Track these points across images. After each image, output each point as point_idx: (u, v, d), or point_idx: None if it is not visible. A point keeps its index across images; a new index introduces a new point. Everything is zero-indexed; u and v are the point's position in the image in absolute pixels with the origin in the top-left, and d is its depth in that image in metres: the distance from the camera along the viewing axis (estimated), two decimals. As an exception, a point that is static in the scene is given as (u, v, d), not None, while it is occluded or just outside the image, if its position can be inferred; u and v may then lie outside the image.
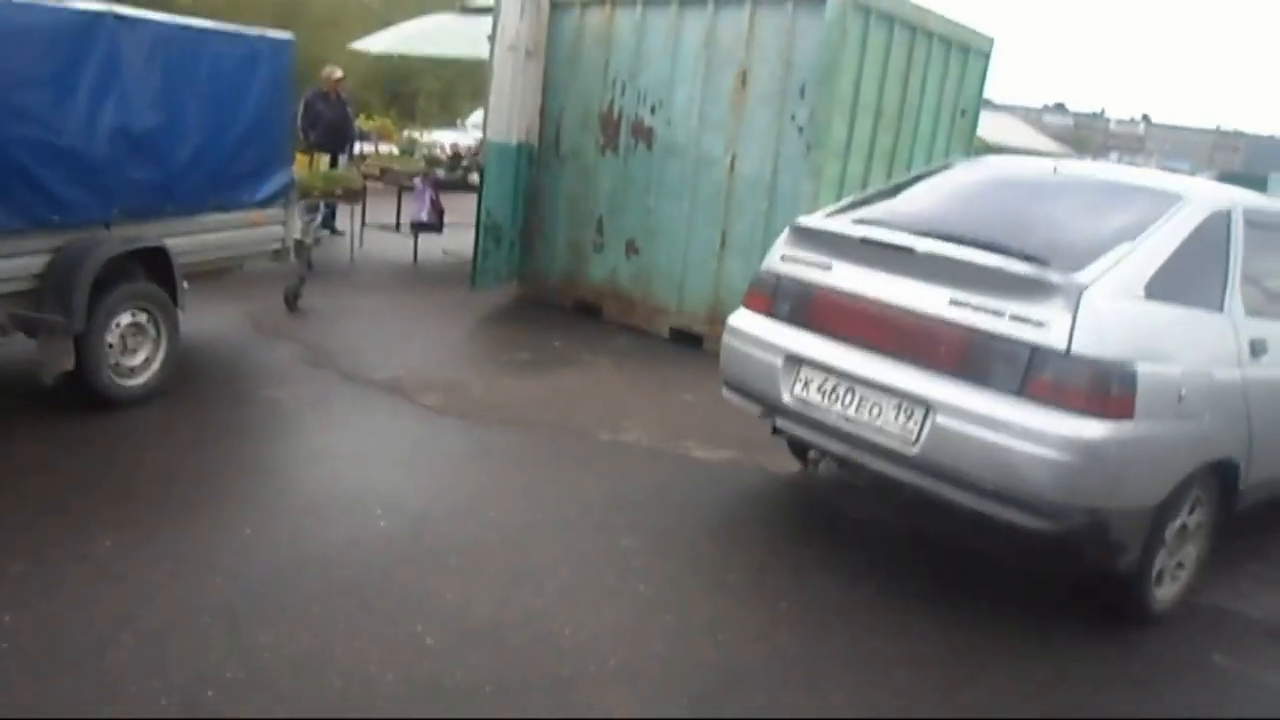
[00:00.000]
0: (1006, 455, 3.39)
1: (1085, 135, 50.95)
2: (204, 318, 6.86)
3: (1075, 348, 3.34)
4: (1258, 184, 17.44)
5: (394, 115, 18.39)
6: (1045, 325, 3.40)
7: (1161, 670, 3.70)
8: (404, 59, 17.27)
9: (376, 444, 5.10)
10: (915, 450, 3.61)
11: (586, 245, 8.49)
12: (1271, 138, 44.30)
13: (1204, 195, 4.15)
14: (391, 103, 21.13)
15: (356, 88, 18.81)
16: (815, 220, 4.32)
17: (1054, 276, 3.43)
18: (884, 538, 4.52)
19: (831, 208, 4.54)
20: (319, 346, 6.65)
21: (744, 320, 4.38)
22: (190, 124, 5.59)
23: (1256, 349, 4.03)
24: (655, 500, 4.63)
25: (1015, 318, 3.45)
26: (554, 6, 8.44)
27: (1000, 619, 3.86)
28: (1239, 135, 45.31)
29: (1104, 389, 3.34)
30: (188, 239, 5.68)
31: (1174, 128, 59.32)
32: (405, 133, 12.98)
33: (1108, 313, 3.43)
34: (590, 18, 8.29)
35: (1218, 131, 52.22)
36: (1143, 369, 3.40)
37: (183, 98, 5.51)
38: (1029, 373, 3.41)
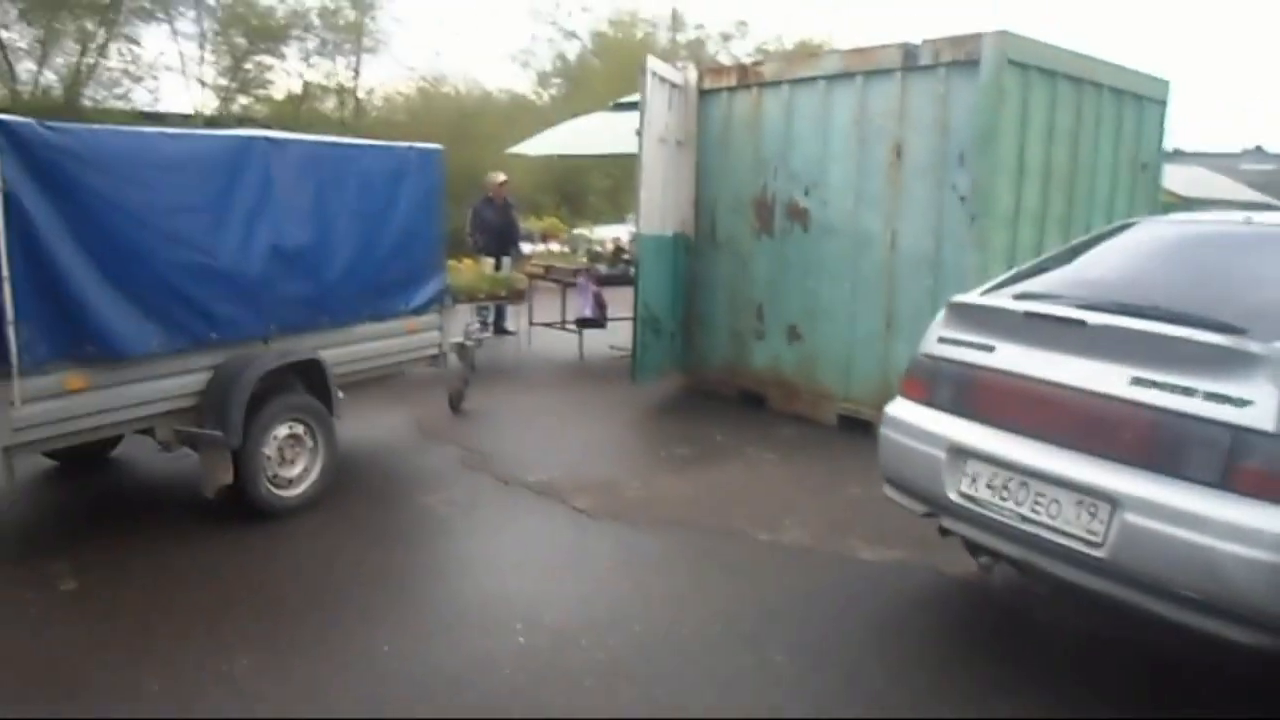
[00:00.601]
0: (1210, 558, 2.89)
1: (1289, 180, 47.43)
2: (370, 423, 6.99)
3: (1287, 428, 2.84)
4: None
5: (564, 214, 18.85)
6: (1248, 404, 2.91)
7: None
8: (568, 159, 17.70)
9: (523, 551, 4.94)
10: (1102, 552, 3.14)
11: (748, 332, 8.24)
12: None
13: None
14: (562, 202, 21.69)
15: (529, 190, 19.43)
16: (973, 297, 3.93)
17: (1254, 346, 2.95)
18: (1077, 648, 3.98)
19: (991, 283, 4.14)
20: (477, 448, 6.62)
21: (902, 410, 4.01)
22: (341, 238, 5.72)
23: None
24: (812, 608, 4.26)
25: (1210, 396, 2.97)
26: (701, 94, 8.39)
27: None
28: None
29: (1328, 476, 2.82)
30: (342, 349, 5.78)
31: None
32: (574, 230, 13.21)
33: (1323, 385, 2.91)
34: (738, 104, 8.17)
35: None
36: (1374, 450, 2.87)
37: (333, 213, 5.65)
38: (1232, 460, 2.91)
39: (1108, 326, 3.26)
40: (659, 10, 38.08)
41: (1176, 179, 28.98)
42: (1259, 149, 61.60)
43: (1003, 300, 3.78)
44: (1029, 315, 3.54)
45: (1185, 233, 4.14)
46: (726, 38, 30.96)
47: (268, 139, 5.31)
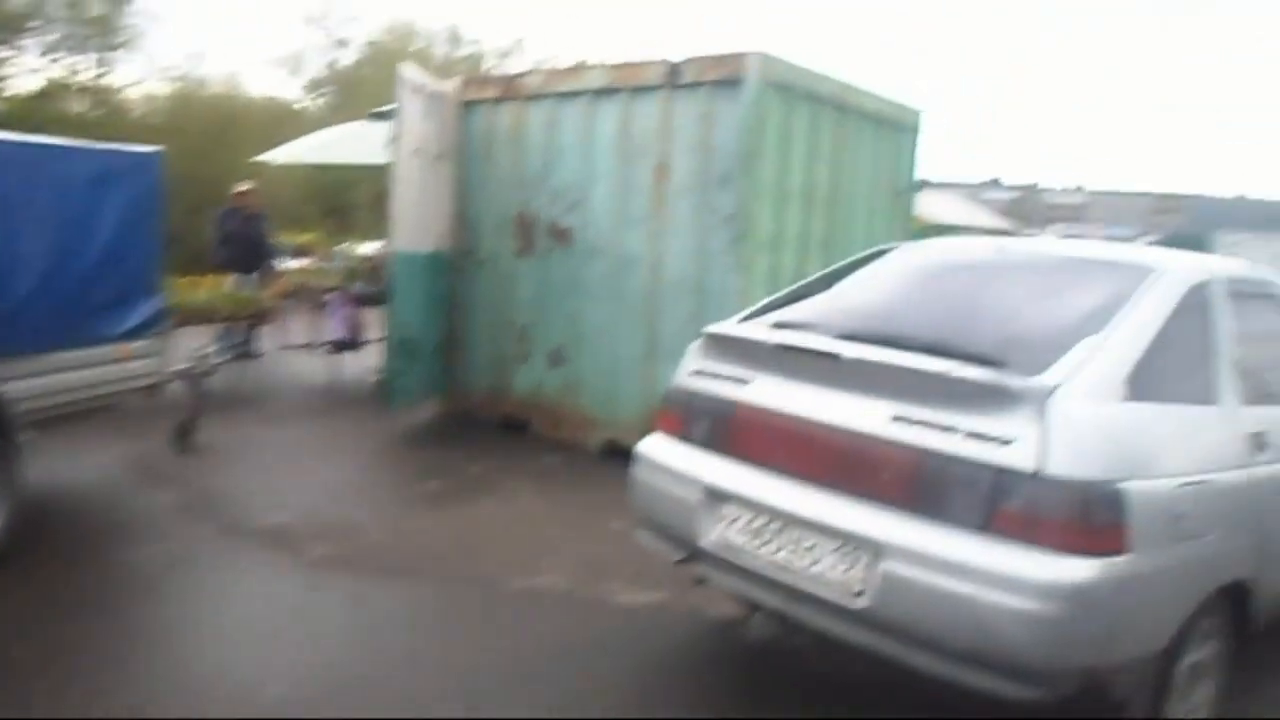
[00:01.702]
0: (974, 609, 2.70)
1: (1025, 209, 51.48)
2: (77, 465, 6.12)
3: (1048, 468, 2.68)
4: (1200, 243, 17.19)
5: (328, 228, 17.89)
6: (1008, 442, 2.74)
7: None
8: (330, 169, 16.79)
9: (241, 614, 4.30)
10: (862, 603, 2.90)
11: (510, 356, 7.82)
12: (1209, 197, 45.06)
13: (1179, 267, 3.56)
14: (327, 215, 20.64)
15: (292, 201, 18.35)
16: (728, 327, 3.65)
17: (1014, 381, 2.79)
18: (845, 694, 3.77)
19: (748, 310, 3.90)
20: (204, 491, 5.88)
21: (656, 447, 3.69)
22: (28, 251, 4.89)
23: (1259, 444, 3.41)
24: (563, 663, 3.87)
25: (971, 434, 2.79)
26: (464, 106, 7.94)
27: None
28: (1176, 197, 46.00)
29: (1088, 518, 2.68)
30: (32, 381, 4.94)
31: (1112, 194, 60.11)
32: (341, 246, 12.41)
33: (1084, 420, 2.78)
34: (501, 117, 7.78)
35: (1155, 195, 53.01)
36: (1133, 487, 2.75)
37: (17, 222, 4.82)
38: (994, 502, 2.74)
39: (866, 361, 3.04)
40: (436, 26, 37.27)
41: (925, 205, 30.79)
42: (996, 181, 66.63)
43: (759, 330, 3.52)
44: (785, 347, 3.29)
45: (941, 260, 4.04)
46: (504, 54, 30.66)
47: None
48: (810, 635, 3.42)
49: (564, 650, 4.01)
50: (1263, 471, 3.40)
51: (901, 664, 2.92)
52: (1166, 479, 2.92)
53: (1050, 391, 2.75)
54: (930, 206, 31.20)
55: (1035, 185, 65.64)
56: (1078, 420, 2.75)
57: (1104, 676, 2.79)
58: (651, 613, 4.43)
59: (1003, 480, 2.72)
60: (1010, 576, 2.65)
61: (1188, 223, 32.57)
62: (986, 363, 2.89)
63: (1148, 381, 3.01)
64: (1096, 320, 3.13)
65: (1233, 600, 3.34)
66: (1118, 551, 2.69)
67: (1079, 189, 65.20)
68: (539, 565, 4.91)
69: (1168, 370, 3.13)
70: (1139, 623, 2.86)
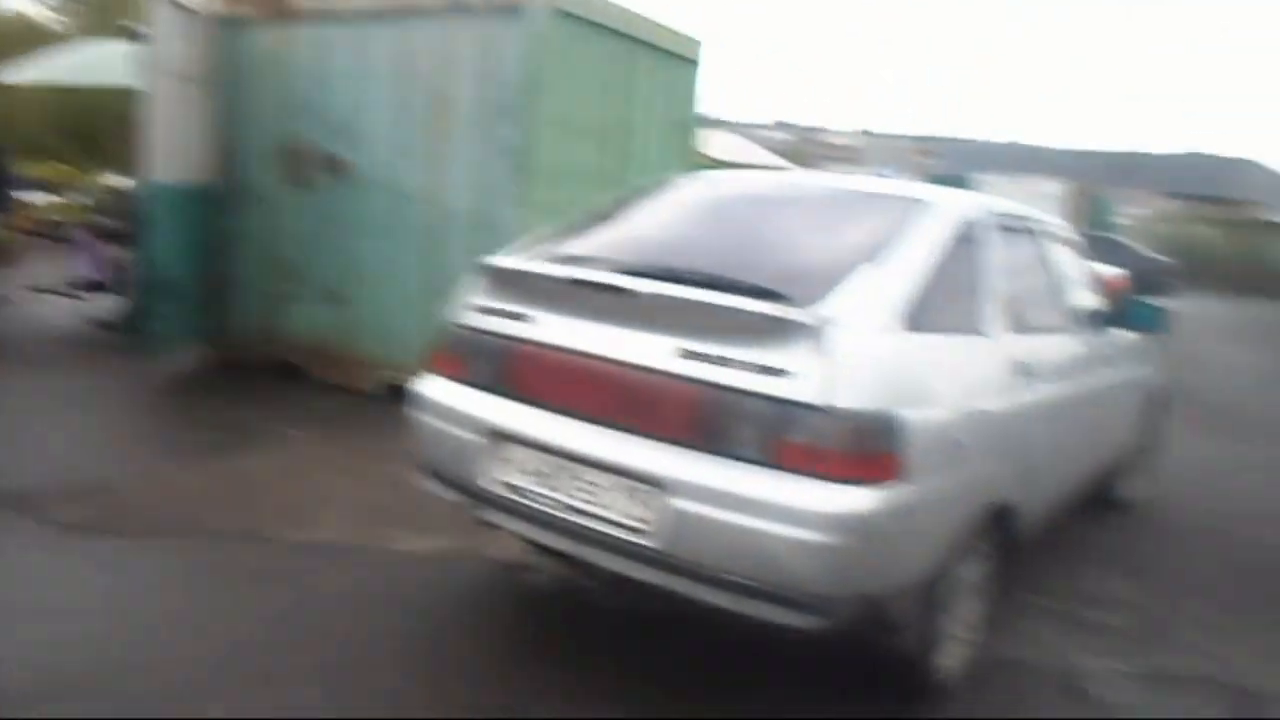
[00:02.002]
0: (760, 542, 2.68)
1: (807, 150, 53.18)
2: None
3: (829, 400, 2.68)
4: (958, 184, 18.26)
5: (78, 158, 16.39)
6: (789, 374, 2.72)
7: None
8: (80, 92, 15.29)
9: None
10: (653, 542, 2.85)
11: (282, 296, 7.34)
12: (969, 141, 48.07)
13: (950, 202, 3.65)
14: (80, 145, 18.87)
15: (38, 129, 16.65)
16: (509, 260, 3.47)
17: (793, 312, 2.76)
18: (639, 631, 3.73)
19: (530, 242, 3.74)
20: (-74, 453, 5.24)
21: (433, 389, 3.50)
22: None
23: (1023, 371, 3.56)
24: (343, 618, 3.66)
25: (754, 368, 2.76)
26: (228, 27, 7.31)
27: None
28: (939, 140, 48.68)
29: (867, 448, 2.70)
30: None
31: (886, 136, 63.00)
32: (93, 177, 11.32)
33: (863, 351, 2.80)
34: (269, 39, 7.22)
35: (921, 139, 55.86)
36: (910, 416, 2.79)
37: None
38: (776, 435, 2.72)
39: (650, 295, 2.95)
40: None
41: (709, 143, 31.25)
42: (783, 123, 68.53)
43: (540, 264, 3.37)
44: (569, 281, 3.16)
45: (725, 193, 3.99)
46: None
47: None
48: (601, 577, 3.35)
49: (344, 603, 3.79)
50: (1026, 398, 3.56)
51: (692, 601, 2.89)
52: (940, 407, 2.99)
53: (829, 323, 2.75)
54: (713, 145, 31.65)
55: (816, 127, 67.99)
56: (855, 351, 2.76)
57: (883, 602, 2.85)
58: (436, 560, 4.26)
59: (784, 413, 2.70)
60: (794, 509, 2.65)
61: (948, 165, 34.46)
62: (768, 295, 2.86)
63: (921, 312, 3.06)
64: (872, 253, 3.15)
65: (1001, 520, 3.50)
66: (896, 480, 2.74)
67: (856, 131, 67.95)
68: (316, 517, 4.64)
69: (940, 301, 3.20)
70: (915, 548, 2.93)
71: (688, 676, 3.44)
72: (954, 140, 48.96)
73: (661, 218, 3.79)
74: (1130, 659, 3.94)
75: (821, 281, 2.98)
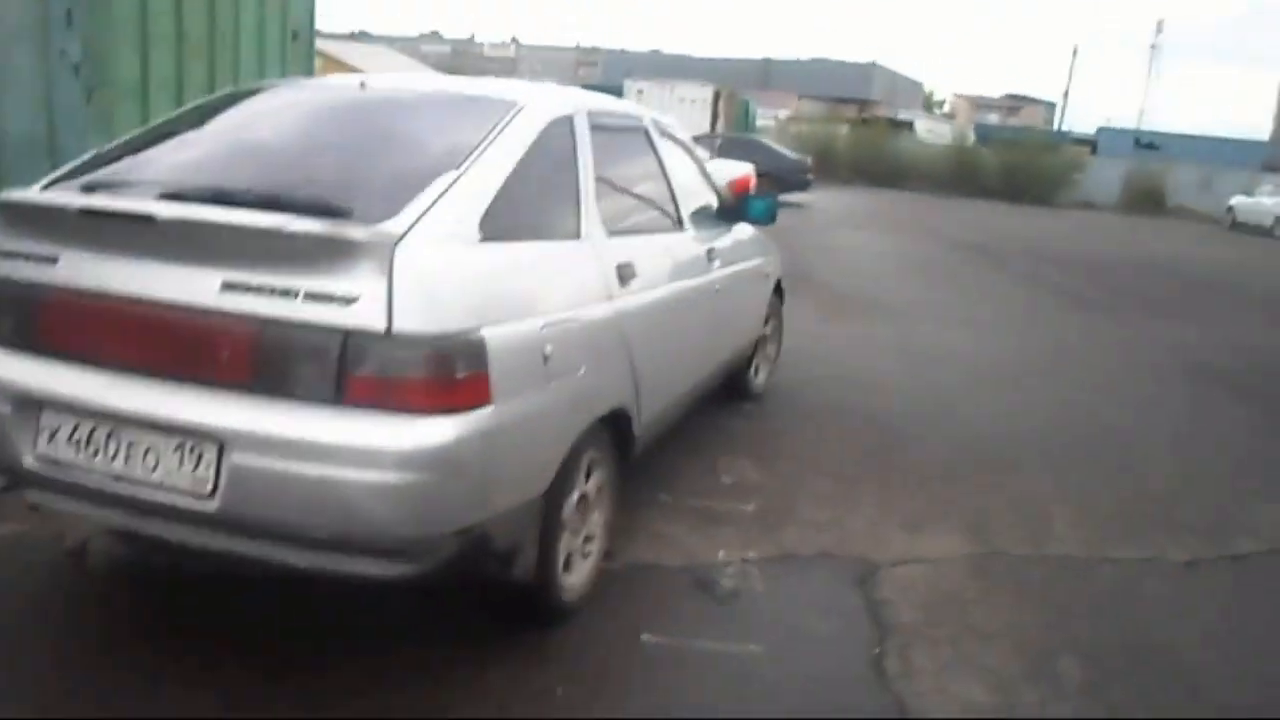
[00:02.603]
0: (333, 490, 2.40)
1: (461, 62, 52.03)
2: None
3: (398, 325, 2.41)
4: (614, 92, 18.53)
5: None
6: (354, 301, 2.43)
7: (591, 678, 3.03)
8: None
9: None
10: (213, 505, 2.49)
11: None
12: (623, 51, 49.07)
13: (541, 101, 3.45)
14: None
15: None
16: (24, 193, 2.89)
17: (354, 231, 2.46)
18: (231, 595, 3.37)
19: (61, 170, 3.17)
20: None
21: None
22: None
23: (625, 275, 3.46)
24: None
25: (312, 296, 2.44)
26: None
27: (383, 658, 2.93)
28: (596, 50, 49.27)
29: (445, 373, 2.47)
30: None
31: (542, 48, 62.86)
32: None
33: (435, 269, 2.55)
34: None
35: (578, 48, 56.24)
36: (492, 334, 2.58)
37: None
38: (343, 370, 2.43)
39: (184, 221, 2.54)
40: None
41: (358, 58, 29.81)
42: (436, 34, 66.58)
43: (64, 195, 2.85)
44: (90, 213, 2.68)
45: (296, 101, 3.58)
46: None
47: None
48: (170, 551, 2.94)
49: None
50: (631, 301, 3.47)
51: (269, 564, 2.58)
52: (530, 320, 2.81)
53: (396, 240, 2.47)
54: (366, 60, 30.21)
55: (472, 38, 66.61)
56: (427, 269, 2.51)
57: (486, 533, 2.67)
58: (6, 547, 3.67)
59: (351, 344, 2.42)
60: (367, 449, 2.39)
61: (604, 74, 34.98)
62: (329, 213, 2.54)
63: (506, 220, 2.86)
64: (454, 160, 2.89)
65: (614, 428, 3.42)
66: (481, 404, 2.53)
67: (513, 42, 67.33)
68: None
69: (528, 207, 3.02)
70: (515, 470, 2.77)
71: (295, 646, 3.14)
72: (607, 51, 49.76)
73: (220, 133, 3.33)
74: (759, 545, 4.04)
75: (396, 194, 2.69)
